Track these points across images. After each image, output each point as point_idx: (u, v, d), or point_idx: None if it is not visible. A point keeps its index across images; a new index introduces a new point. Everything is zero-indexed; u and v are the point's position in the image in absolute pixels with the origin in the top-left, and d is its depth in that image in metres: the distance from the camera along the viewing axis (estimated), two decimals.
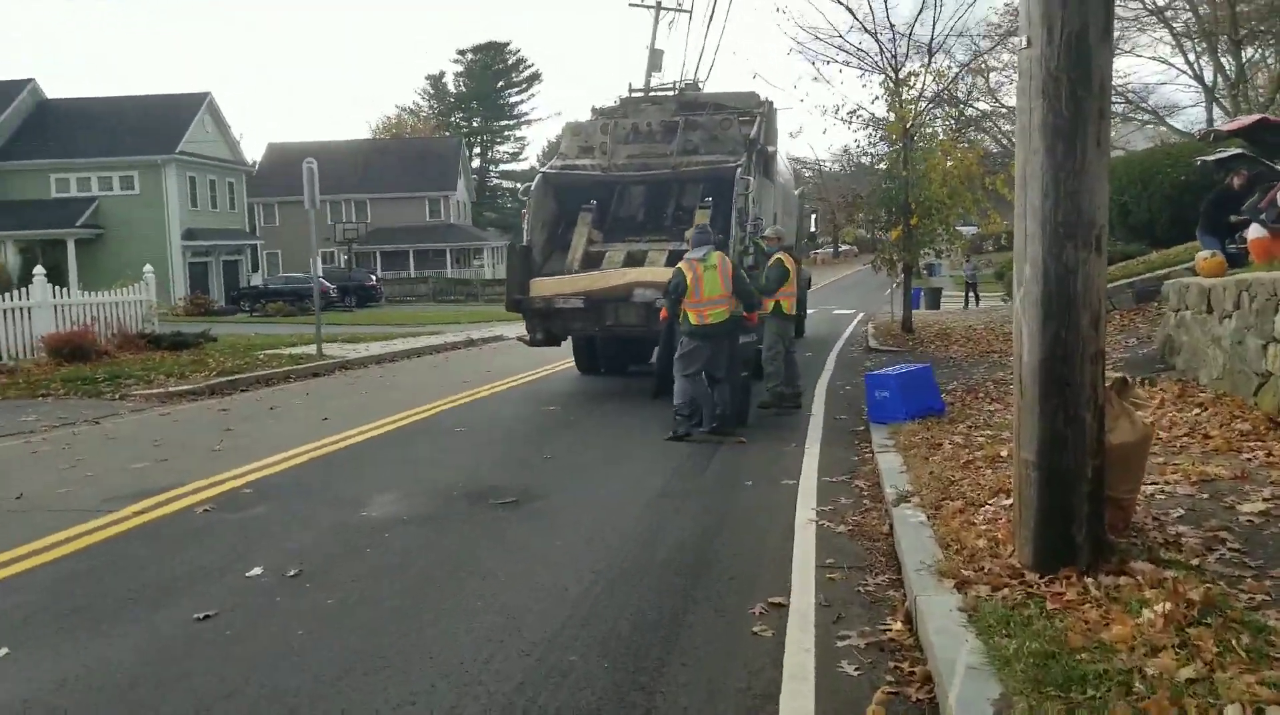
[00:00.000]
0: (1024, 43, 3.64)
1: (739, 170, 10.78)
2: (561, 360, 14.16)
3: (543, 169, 11.61)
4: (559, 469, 7.28)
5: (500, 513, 5.91)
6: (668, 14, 32.50)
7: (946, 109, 19.32)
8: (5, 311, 14.61)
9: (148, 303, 17.30)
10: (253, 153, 61.38)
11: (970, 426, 7.75)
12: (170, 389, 12.44)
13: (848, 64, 17.55)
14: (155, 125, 37.68)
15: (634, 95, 12.03)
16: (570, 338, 11.76)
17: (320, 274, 41.03)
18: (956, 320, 21.98)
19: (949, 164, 17.62)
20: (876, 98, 17.53)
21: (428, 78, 77.25)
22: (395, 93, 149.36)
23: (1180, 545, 4.37)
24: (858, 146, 18.01)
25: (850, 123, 18.09)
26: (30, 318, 14.92)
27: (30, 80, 38.55)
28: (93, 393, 12.26)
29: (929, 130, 18.17)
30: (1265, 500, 5.04)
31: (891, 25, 16.94)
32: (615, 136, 11.55)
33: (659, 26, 33.17)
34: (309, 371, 14.90)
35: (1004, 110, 45.67)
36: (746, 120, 12.36)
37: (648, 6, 32.92)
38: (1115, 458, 4.26)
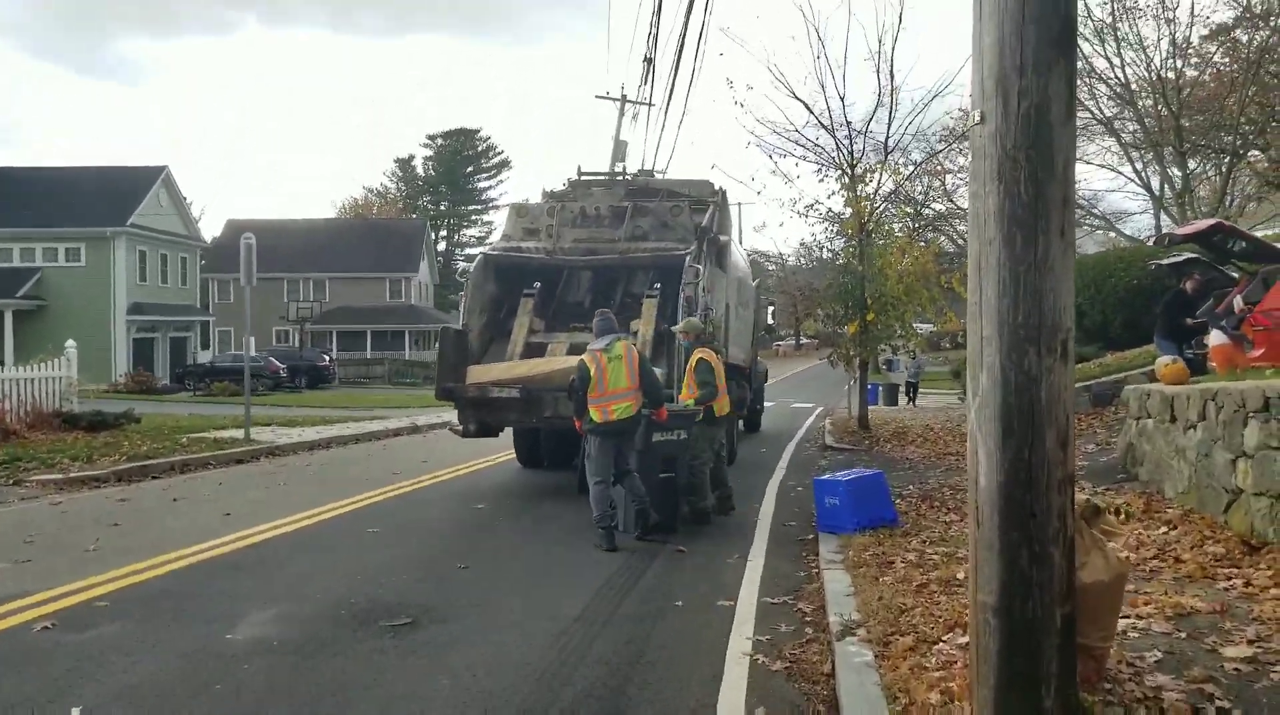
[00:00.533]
0: (976, 117, 3.16)
1: (688, 258, 10.35)
2: (503, 451, 13.41)
3: (484, 250, 11.10)
4: (472, 582, 6.51)
5: (387, 641, 5.11)
6: (632, 107, 33.12)
7: (903, 207, 19.34)
8: None
9: (66, 379, 16.33)
10: (215, 229, 60.67)
11: (925, 541, 7.14)
12: (72, 475, 11.48)
13: (804, 159, 17.46)
14: (108, 197, 36.99)
15: (583, 178, 11.65)
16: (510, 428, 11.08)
17: (263, 353, 40.30)
18: (913, 418, 21.61)
19: (905, 262, 17.49)
20: (833, 193, 17.33)
21: (396, 161, 77.75)
22: (364, 175, 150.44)
23: (1162, 703, 3.75)
24: (814, 240, 17.82)
25: (807, 216, 18.00)
26: None
27: None
28: None
29: (886, 228, 18.08)
30: (1250, 642, 4.45)
31: (848, 122, 16.95)
32: (562, 219, 11.11)
33: (623, 119, 33.63)
34: (232, 458, 14.00)
35: (960, 211, 46.78)
36: (699, 208, 12.02)
37: (613, 99, 33.55)
38: (1088, 599, 3.65)
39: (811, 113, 16.82)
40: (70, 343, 17.04)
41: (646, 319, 10.13)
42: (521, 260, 10.97)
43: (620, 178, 11.59)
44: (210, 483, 11.47)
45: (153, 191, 38.86)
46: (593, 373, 7.80)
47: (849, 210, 17.30)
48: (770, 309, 21.04)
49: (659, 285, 10.63)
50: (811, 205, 18.10)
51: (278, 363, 38.65)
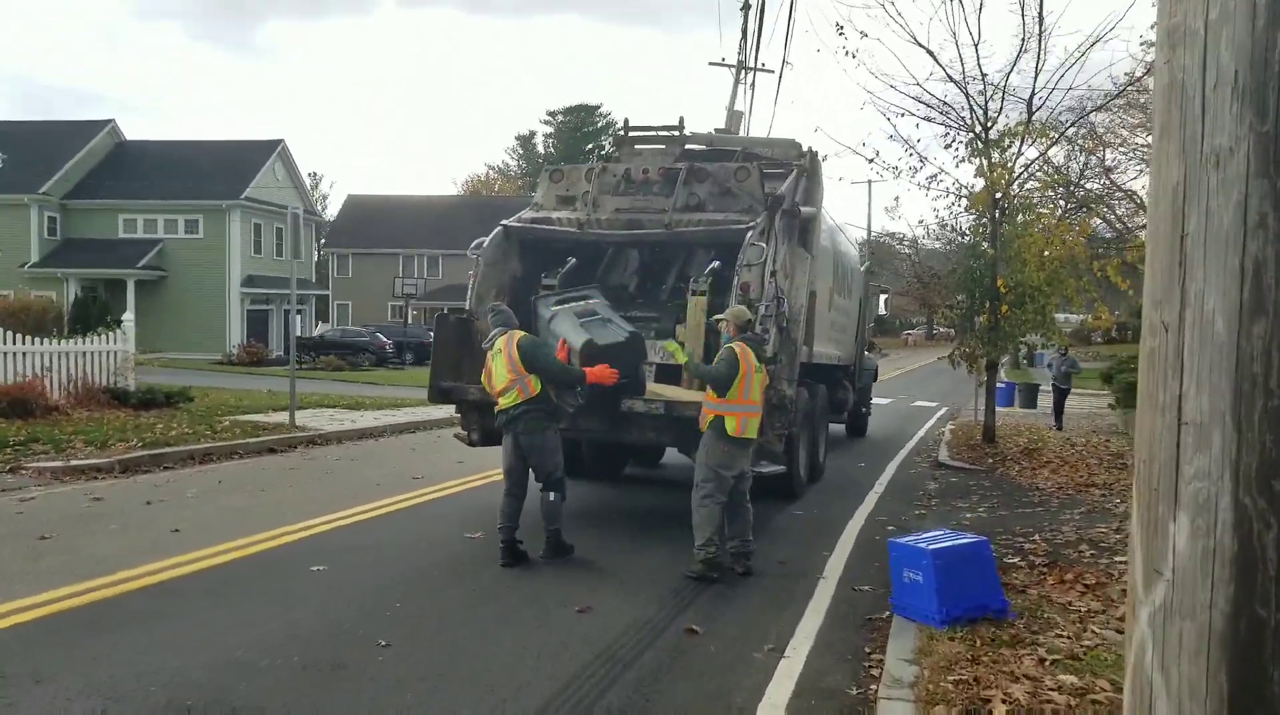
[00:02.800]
0: None
1: (751, 233, 8.18)
2: None
3: (504, 220, 9.19)
4: (377, 675, 4.67)
5: None
6: (747, 74, 30.64)
7: (1050, 178, 16.28)
8: None
9: (122, 353, 15.52)
10: (338, 205, 61.78)
11: (1047, 654, 4.84)
12: (74, 463, 10.37)
13: (928, 119, 14.77)
14: (225, 170, 37.33)
15: (633, 135, 9.53)
16: None
17: (369, 329, 39.96)
18: (1051, 430, 18.62)
19: (1051, 246, 14.60)
20: (961, 160, 14.56)
21: (517, 138, 77.37)
22: (488, 152, 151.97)
23: None
24: (937, 217, 15.13)
25: (929, 188, 15.27)
26: None
27: (110, 121, 38.83)
28: None
29: (1027, 203, 15.20)
30: None
31: (983, 74, 14.17)
32: (602, 185, 9.09)
33: (739, 87, 31.20)
34: (264, 446, 12.75)
35: (1119, 195, 41.90)
36: (776, 173, 9.80)
37: (728, 66, 31.21)
38: None
39: (937, 62, 14.15)
40: (127, 315, 16.28)
41: (693, 322, 7.94)
42: (548, 233, 9.02)
43: (679, 134, 9.42)
44: (209, 481, 10.11)
45: (268, 165, 39.05)
46: (483, 373, 7.32)
47: (980, 181, 14.56)
48: (884, 298, 18.41)
49: (715, 265, 8.48)
50: (934, 176, 15.37)
51: (384, 338, 38.31)
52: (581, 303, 8.20)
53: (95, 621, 5.29)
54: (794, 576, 6.96)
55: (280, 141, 40.28)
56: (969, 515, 9.60)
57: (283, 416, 15.15)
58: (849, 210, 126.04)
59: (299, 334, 40.76)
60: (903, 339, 69.82)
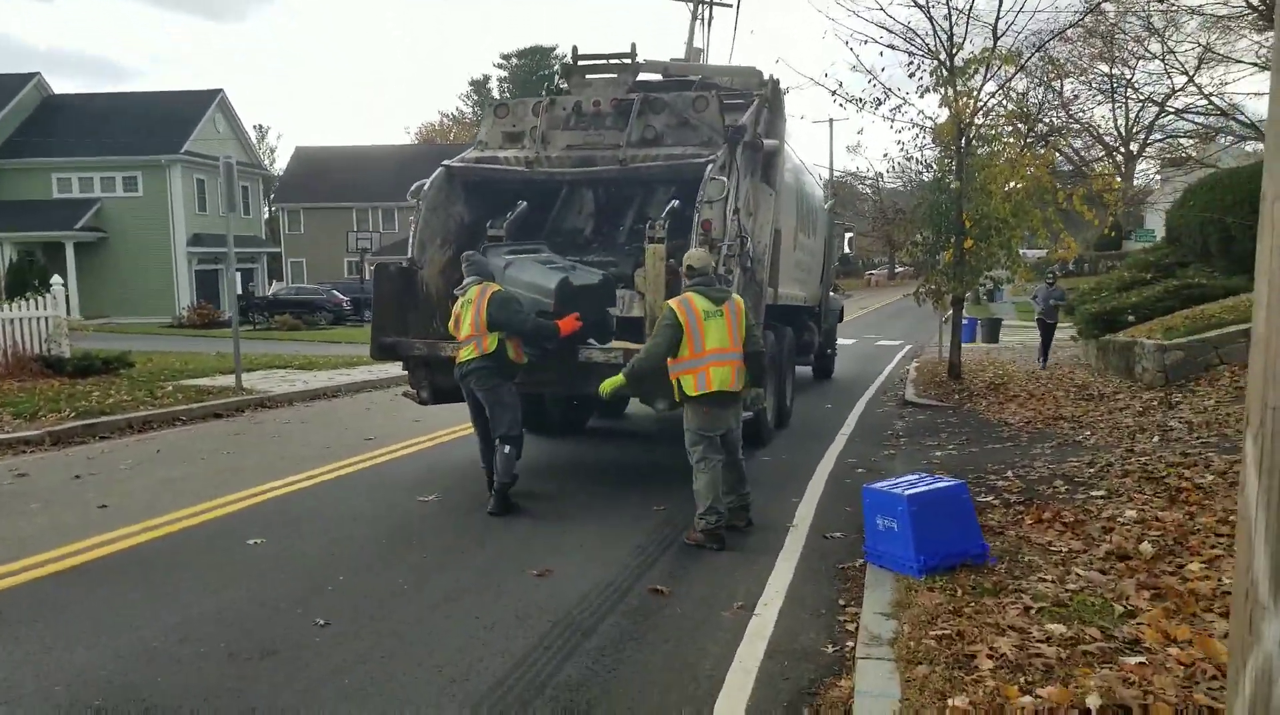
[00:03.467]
0: None
1: (710, 168, 7.71)
2: None
3: (446, 162, 8.60)
4: (327, 650, 4.28)
5: None
6: (705, 9, 29.72)
7: (1011, 111, 15.85)
8: None
9: (53, 319, 14.71)
10: (287, 158, 59.89)
11: (1032, 601, 4.56)
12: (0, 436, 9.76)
13: (891, 46, 14.24)
14: (162, 124, 35.79)
15: (581, 64, 8.92)
16: None
17: (325, 286, 38.92)
18: (1016, 363, 18.51)
19: (1015, 179, 14.25)
20: (925, 89, 14.03)
21: (471, 83, 75.38)
22: (440, 99, 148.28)
23: None
24: (901, 150, 14.71)
25: (893, 121, 14.81)
26: None
27: (35, 75, 36.92)
28: None
29: (992, 134, 14.79)
30: None
31: None
32: (551, 120, 8.53)
33: (696, 21, 30.27)
34: (209, 412, 12.18)
35: (1076, 126, 41.63)
36: (736, 103, 9.30)
37: (686, 0, 30.26)
38: None
39: None
40: (56, 278, 15.43)
41: (652, 272, 7.44)
42: (494, 174, 8.46)
43: (632, 63, 8.81)
44: (146, 451, 9.57)
45: (207, 116, 37.49)
46: (451, 319, 7.19)
47: (945, 112, 14.14)
48: (849, 237, 18.03)
49: (674, 205, 8.00)
50: (898, 107, 14.86)
51: (340, 295, 37.38)
52: (535, 253, 7.93)
53: (47, 597, 4.85)
54: (763, 527, 6.65)
55: (219, 91, 38.65)
56: (939, 453, 9.37)
57: (229, 380, 14.53)
58: (811, 150, 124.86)
59: (251, 293, 39.72)
60: (865, 279, 69.81)
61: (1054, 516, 6.32)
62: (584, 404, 10.25)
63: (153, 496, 7.32)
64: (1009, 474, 8.03)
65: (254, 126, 72.98)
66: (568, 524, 6.65)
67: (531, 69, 71.93)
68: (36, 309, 14.53)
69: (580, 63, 8.85)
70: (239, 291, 39.00)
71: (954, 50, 14.19)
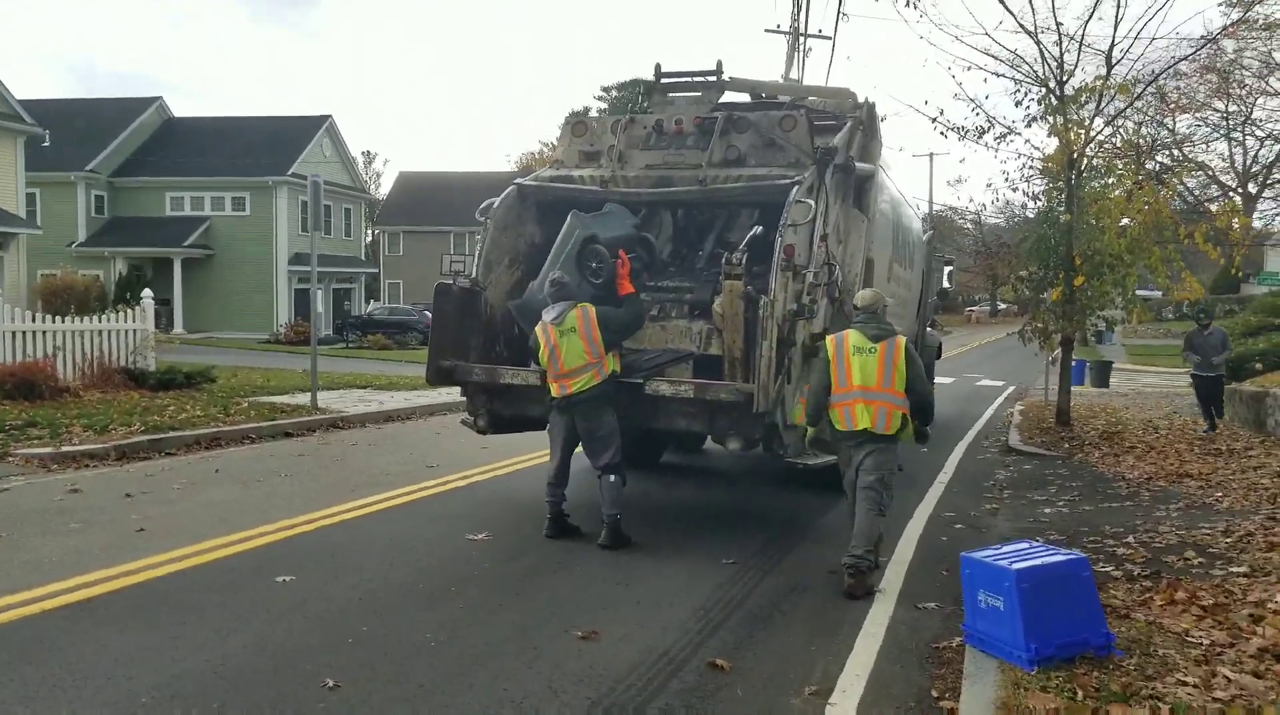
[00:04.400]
0: None
1: (796, 190, 7.04)
2: None
3: (518, 179, 8.14)
4: None
5: None
6: (804, 41, 29.03)
7: (1123, 141, 14.66)
8: None
9: (141, 332, 14.90)
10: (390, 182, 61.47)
11: (1173, 712, 3.71)
12: (65, 449, 9.69)
13: (997, 74, 13.36)
14: (272, 146, 36.95)
15: (664, 82, 8.37)
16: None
17: (418, 307, 39.23)
18: (1129, 409, 17.11)
19: (1132, 210, 13.13)
20: (1033, 118, 13.09)
21: (571, 113, 76.23)
22: (541, 128, 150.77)
23: None
24: (1006, 180, 13.76)
25: (997, 149, 13.85)
26: None
27: (158, 98, 38.67)
28: None
29: (1105, 165, 13.70)
30: None
31: (1058, 24, 12.74)
32: (630, 138, 8.01)
33: (795, 54, 29.59)
34: (279, 430, 12.02)
35: (1190, 164, 38.90)
36: (828, 125, 8.62)
37: (783, 33, 29.66)
38: None
39: (1007, 9, 12.73)
40: (147, 292, 15.65)
41: (729, 311, 6.77)
42: (568, 193, 7.95)
43: (717, 80, 8.20)
44: (205, 470, 9.34)
45: (315, 140, 38.56)
46: (544, 352, 6.64)
47: (1053, 141, 13.14)
48: (948, 271, 17.00)
49: (756, 232, 7.33)
50: (1004, 135, 13.92)
51: (430, 316, 37.78)
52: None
53: (47, 636, 4.49)
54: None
55: (328, 117, 39.78)
56: (1047, 510, 8.43)
57: (307, 398, 14.44)
58: (910, 184, 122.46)
59: (347, 312, 40.54)
60: (966, 316, 67.45)
61: (1189, 597, 5.39)
62: (655, 438, 9.63)
63: (195, 521, 6.98)
64: (1130, 540, 7.07)
65: (362, 152, 75.22)
66: (625, 574, 6.01)
67: (630, 100, 72.05)
68: (125, 322, 14.75)
69: (663, 80, 8.32)
70: (318, 309, 39.86)
71: (1064, 78, 13.24)
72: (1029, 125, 12.86)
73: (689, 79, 8.26)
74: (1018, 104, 13.07)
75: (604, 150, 8.09)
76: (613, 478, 6.63)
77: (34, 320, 13.50)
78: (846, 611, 5.49)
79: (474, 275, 7.61)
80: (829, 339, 6.19)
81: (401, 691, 4.09)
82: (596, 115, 8.46)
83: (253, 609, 5.07)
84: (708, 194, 7.61)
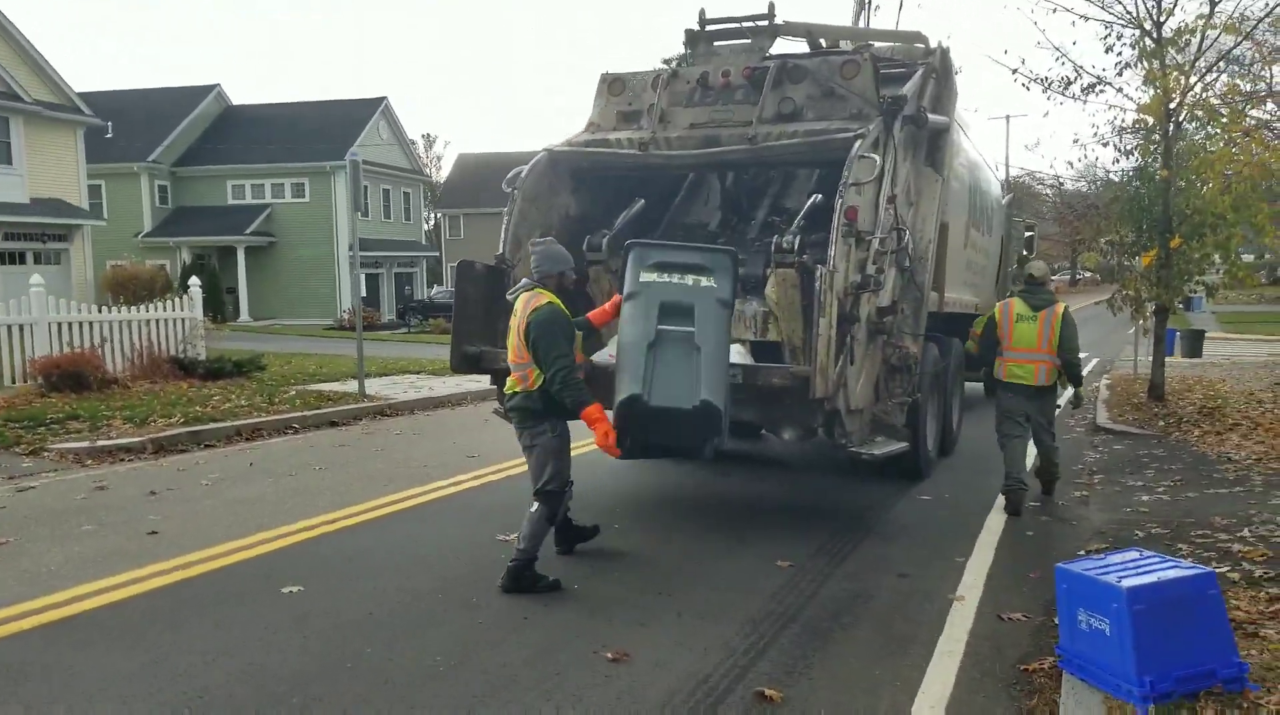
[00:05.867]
0: None
1: (859, 144, 6.26)
2: None
3: (549, 145, 7.49)
4: None
5: None
6: None
7: (1229, 85, 13.27)
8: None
9: (190, 321, 14.74)
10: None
11: None
12: (101, 443, 9.43)
13: (1084, 17, 12.18)
14: (329, 131, 36.94)
15: (708, 30, 7.57)
16: None
17: (361, 291, 39.04)
18: (1227, 382, 15.80)
19: (1239, 163, 11.88)
20: (1125, 65, 11.94)
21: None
22: None
23: None
24: (1095, 136, 12.59)
25: (1085, 101, 12.70)
26: (29, 337, 12.63)
27: (215, 86, 38.95)
28: (7, 442, 9.44)
29: (1207, 113, 12.43)
30: None
31: None
32: (672, 95, 7.29)
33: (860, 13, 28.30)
34: (323, 419, 11.67)
35: None
36: (897, 73, 7.80)
37: None
38: None
39: None
40: (194, 281, 15.48)
41: (783, 300, 6.09)
42: (602, 158, 7.28)
43: (768, 25, 7.35)
44: (239, 463, 8.98)
45: (371, 124, 38.46)
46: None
47: (1150, 89, 11.97)
48: (1029, 236, 15.87)
49: (815, 200, 6.57)
50: (1092, 86, 12.74)
51: None
52: (689, 281, 5.49)
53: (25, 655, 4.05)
54: (917, 596, 5.17)
55: (383, 99, 39.63)
56: (1145, 497, 7.56)
57: (352, 386, 14.10)
58: (984, 149, 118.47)
59: (409, 297, 40.58)
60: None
61: None
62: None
63: (213, 522, 6.56)
64: (1246, 533, 6.19)
65: (422, 135, 75.35)
66: (666, 582, 5.38)
67: None
68: (174, 311, 14.59)
69: (707, 28, 7.55)
70: (363, 293, 39.92)
71: (1161, 18, 12.02)
72: (1121, 73, 11.73)
73: (737, 24, 7.47)
74: (1108, 49, 11.94)
75: (644, 110, 7.39)
76: (534, 507, 5.22)
77: (80, 310, 13.40)
78: (918, 624, 4.78)
79: (501, 252, 7.00)
80: (997, 305, 7.38)
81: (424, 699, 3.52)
82: (634, 72, 7.63)
83: (249, 627, 4.56)
84: (759, 153, 6.86)
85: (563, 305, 5.19)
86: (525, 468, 5.54)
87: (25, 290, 12.89)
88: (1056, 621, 4.62)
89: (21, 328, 12.55)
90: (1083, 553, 5.97)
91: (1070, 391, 7.55)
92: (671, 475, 8.39)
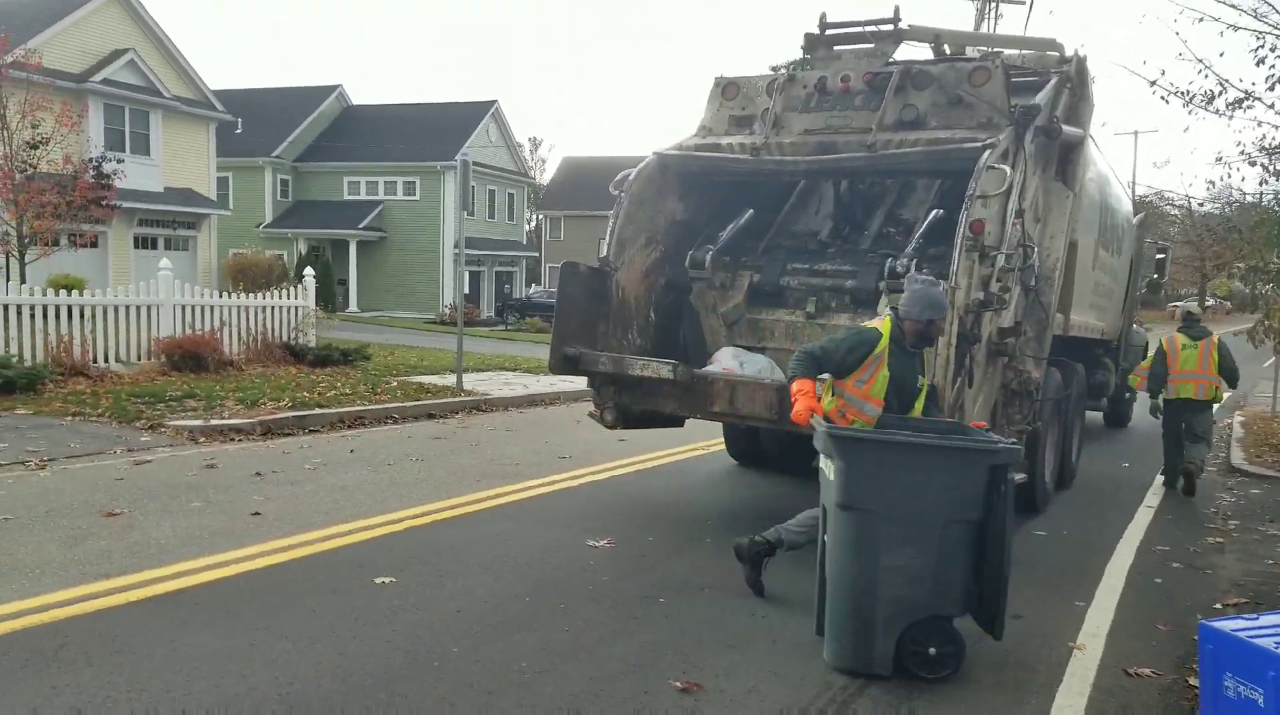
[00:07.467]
0: None
1: (988, 155, 5.92)
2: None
3: (659, 148, 7.34)
4: None
5: None
6: (992, 7, 26.86)
7: None
8: (128, 308, 12.97)
9: (303, 309, 15.20)
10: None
11: None
12: (214, 422, 9.74)
13: (1234, 27, 11.40)
14: (441, 131, 37.88)
15: (828, 34, 7.31)
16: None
17: (464, 288, 39.37)
18: None
19: None
20: (1278, 79, 11.08)
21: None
22: None
23: None
24: (1242, 154, 11.68)
25: (1231, 117, 11.88)
26: (155, 317, 13.19)
27: (338, 86, 40.39)
28: (129, 416, 9.83)
29: None
30: None
31: None
32: (788, 100, 7.05)
33: (984, 18, 27.41)
34: (422, 411, 11.82)
35: None
36: (1028, 82, 7.39)
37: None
38: None
39: None
40: (309, 271, 15.95)
41: (939, 354, 5.51)
42: (713, 163, 7.09)
43: (893, 29, 7.04)
44: (340, 449, 9.13)
45: (481, 126, 39.26)
46: None
47: None
48: (1160, 258, 14.99)
49: (936, 216, 6.24)
50: (1240, 101, 11.89)
51: None
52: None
53: (119, 633, 4.14)
54: (1034, 642, 4.80)
55: (494, 102, 40.44)
56: None
57: (453, 379, 14.27)
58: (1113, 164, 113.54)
59: (508, 295, 41.22)
60: (1169, 312, 61.58)
61: None
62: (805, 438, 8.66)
63: (313, 507, 6.64)
64: None
65: (528, 138, 76.40)
66: (764, 604, 5.14)
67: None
68: (289, 299, 15.06)
69: (828, 31, 7.29)
70: (465, 291, 40.52)
71: None
72: (1272, 88, 10.92)
73: (859, 28, 7.19)
74: (1259, 62, 11.13)
75: (757, 114, 7.18)
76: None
77: (203, 294, 13.93)
78: (1034, 671, 4.43)
79: (605, 254, 6.89)
80: (1163, 339, 9.16)
81: None
82: (748, 76, 7.42)
83: (341, 616, 4.54)
84: (877, 161, 6.57)
85: (890, 340, 4.82)
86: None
87: (155, 274, 13.49)
88: (1191, 682, 4.24)
89: (149, 309, 13.12)
90: (1219, 607, 5.50)
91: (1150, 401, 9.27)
92: (775, 490, 8.14)
